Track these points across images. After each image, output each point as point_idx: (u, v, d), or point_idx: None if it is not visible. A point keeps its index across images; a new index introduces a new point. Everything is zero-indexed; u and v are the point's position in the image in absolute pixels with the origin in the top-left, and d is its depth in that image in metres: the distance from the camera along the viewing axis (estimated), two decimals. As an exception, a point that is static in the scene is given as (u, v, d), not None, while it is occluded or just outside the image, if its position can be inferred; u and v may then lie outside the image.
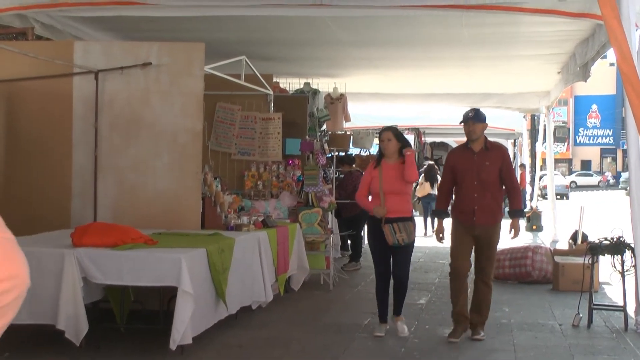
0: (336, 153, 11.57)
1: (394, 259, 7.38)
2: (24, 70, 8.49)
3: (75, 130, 8.51)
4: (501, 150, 7.54)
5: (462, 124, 7.40)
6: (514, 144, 30.27)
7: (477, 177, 7.20)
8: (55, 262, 6.19)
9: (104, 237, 6.48)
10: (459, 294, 7.36)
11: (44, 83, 8.51)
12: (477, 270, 7.46)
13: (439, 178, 23.31)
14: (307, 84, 12.89)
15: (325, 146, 10.88)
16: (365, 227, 7.37)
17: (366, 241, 13.66)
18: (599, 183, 60.93)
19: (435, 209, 7.88)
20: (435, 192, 24.98)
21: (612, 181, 62.32)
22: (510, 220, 7.49)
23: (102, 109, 8.43)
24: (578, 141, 69.23)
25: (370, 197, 7.52)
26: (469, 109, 7.63)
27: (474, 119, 7.31)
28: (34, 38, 9.01)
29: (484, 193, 7.21)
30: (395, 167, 7.27)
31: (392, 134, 7.36)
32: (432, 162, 19.95)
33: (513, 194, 7.43)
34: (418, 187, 18.17)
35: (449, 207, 7.67)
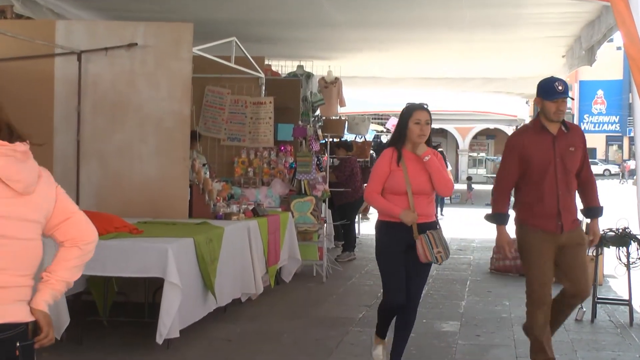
0: (330, 139, 11.55)
1: (411, 279, 5.76)
2: (3, 51, 8.44)
3: (56, 114, 8.47)
4: (579, 130, 6.07)
5: (543, 100, 5.73)
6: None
7: (562, 168, 5.72)
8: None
9: (86, 226, 6.44)
10: (547, 332, 5.88)
11: (24, 64, 8.46)
12: (570, 289, 5.82)
13: (449, 165, 23.22)
14: (300, 67, 12.86)
15: (319, 132, 10.86)
16: (375, 229, 5.78)
17: (361, 231, 13.60)
18: (604, 172, 61.15)
19: (495, 212, 6.01)
20: None
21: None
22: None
23: (85, 92, 8.39)
24: (583, 128, 69.23)
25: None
26: (552, 78, 5.85)
27: (565, 93, 5.71)
28: (13, 17, 8.94)
29: (568, 188, 5.78)
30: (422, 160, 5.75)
31: (429, 116, 5.81)
32: (441, 150, 20.23)
33: (590, 187, 5.93)
34: None
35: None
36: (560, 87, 5.65)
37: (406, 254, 5.65)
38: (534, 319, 5.84)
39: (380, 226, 5.82)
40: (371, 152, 16.21)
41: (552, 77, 5.89)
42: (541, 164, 5.70)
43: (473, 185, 30.61)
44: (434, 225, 5.75)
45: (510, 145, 5.90)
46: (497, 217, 5.96)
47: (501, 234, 5.93)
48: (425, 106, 5.83)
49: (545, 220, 5.73)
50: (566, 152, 5.73)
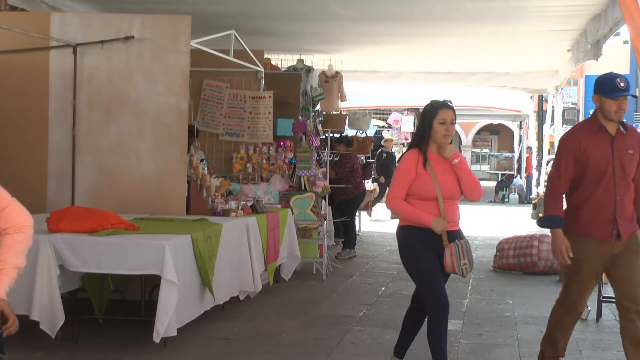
0: (330, 134, 11.54)
1: None
2: (-3, 43, 8.44)
3: (51, 108, 8.45)
4: (636, 131, 5.59)
5: (602, 97, 5.34)
6: (520, 126, 30.36)
7: (621, 171, 5.33)
8: (29, 248, 6.15)
9: (82, 222, 6.45)
10: (568, 334, 5.73)
11: (18, 57, 8.44)
12: (627, 302, 5.31)
13: None
14: (300, 61, 12.85)
15: (319, 127, 10.85)
16: (403, 240, 5.45)
17: (362, 228, 13.58)
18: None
19: (549, 214, 5.54)
20: None
21: None
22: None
23: (80, 86, 8.37)
24: (588, 124, 69.32)
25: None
26: (613, 74, 5.42)
27: (628, 90, 5.31)
28: (7, 8, 8.93)
29: (626, 193, 5.38)
30: (450, 162, 5.45)
31: (454, 115, 5.51)
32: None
33: None
34: None
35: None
36: (622, 84, 5.27)
37: None
38: (559, 320, 5.65)
39: (406, 232, 5.44)
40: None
41: (611, 72, 5.46)
42: (598, 166, 5.32)
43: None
44: (460, 234, 5.46)
45: (565, 145, 5.47)
46: (553, 220, 5.48)
47: (558, 237, 5.42)
48: (450, 103, 5.51)
49: (599, 227, 5.34)
50: (625, 155, 5.34)
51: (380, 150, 19.78)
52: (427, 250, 5.33)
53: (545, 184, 5.84)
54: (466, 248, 5.34)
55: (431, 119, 5.40)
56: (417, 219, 5.32)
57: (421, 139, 5.45)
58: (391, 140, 20.02)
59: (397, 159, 19.11)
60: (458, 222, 5.49)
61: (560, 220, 5.44)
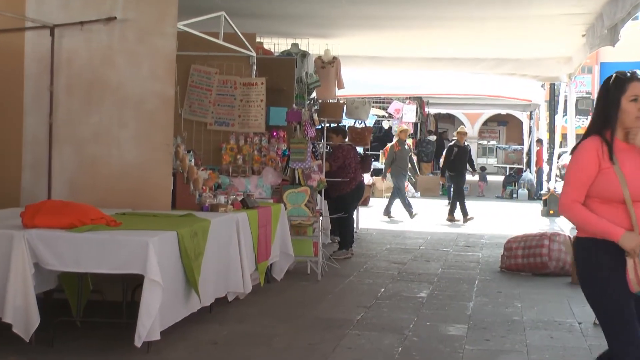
0: (327, 124, 11.52)
1: None
2: (-31, 24, 8.41)
3: (27, 94, 8.44)
4: None
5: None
6: (530, 117, 30.40)
7: None
8: (1, 245, 6.14)
9: (59, 217, 6.43)
10: None
11: (-8, 39, 8.44)
12: None
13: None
14: (295, 45, 12.82)
15: (315, 116, 10.83)
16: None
17: (360, 225, 13.55)
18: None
19: None
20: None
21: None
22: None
23: (58, 70, 8.35)
24: (602, 115, 69.43)
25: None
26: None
27: None
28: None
29: None
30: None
31: None
32: (468, 144, 20.31)
33: None
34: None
35: None
36: None
37: None
38: None
39: (590, 247, 4.48)
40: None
41: None
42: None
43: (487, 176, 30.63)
44: None
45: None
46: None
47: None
48: None
49: None
50: None
51: (452, 142, 19.40)
52: (616, 272, 4.37)
53: None
54: None
55: (618, 97, 4.50)
56: (603, 232, 4.39)
57: (605, 122, 4.53)
58: (464, 133, 19.25)
59: (469, 153, 19.01)
60: None
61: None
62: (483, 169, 31.63)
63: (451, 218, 18.20)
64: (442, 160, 19.73)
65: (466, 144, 19.35)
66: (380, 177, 21.07)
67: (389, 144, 21.29)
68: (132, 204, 8.11)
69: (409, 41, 14.78)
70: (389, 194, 19.27)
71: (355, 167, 12.23)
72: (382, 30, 13.50)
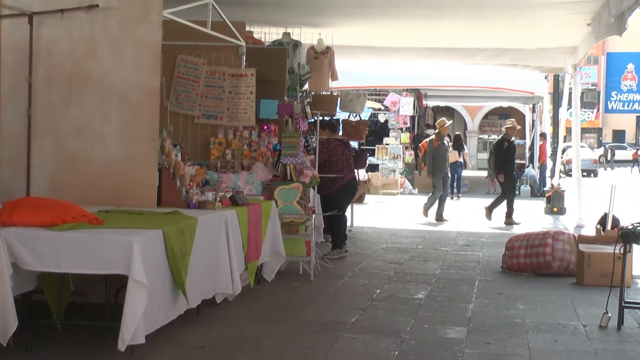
0: (320, 117, 11.51)
1: None
2: (-57, 12, 8.39)
3: (3, 85, 8.43)
4: None
5: None
6: (533, 110, 30.44)
7: None
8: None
9: (38, 215, 6.42)
10: None
11: (-33, 27, 8.41)
12: None
13: (465, 148, 22.75)
14: (286, 35, 12.81)
15: (308, 109, 10.83)
16: None
17: (354, 222, 13.58)
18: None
19: None
20: (462, 159, 25.98)
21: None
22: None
23: (37, 60, 8.34)
24: (610, 107, 69.24)
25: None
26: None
27: None
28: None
29: None
30: None
31: None
32: (457, 133, 20.17)
33: None
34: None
35: None
36: None
37: None
38: None
39: None
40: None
41: None
42: None
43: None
44: None
45: None
46: None
47: None
48: None
49: None
50: None
51: (501, 137, 18.48)
52: None
53: None
54: None
55: None
56: None
57: None
58: (513, 127, 18.22)
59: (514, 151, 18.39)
60: None
61: None
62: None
63: (510, 221, 17.29)
64: (488, 156, 19.04)
65: (514, 139, 18.67)
66: (426, 175, 20.08)
67: (425, 140, 21.02)
68: (116, 201, 8.10)
69: (405, 30, 14.78)
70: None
71: (343, 165, 11.91)
72: (377, 19, 13.49)
